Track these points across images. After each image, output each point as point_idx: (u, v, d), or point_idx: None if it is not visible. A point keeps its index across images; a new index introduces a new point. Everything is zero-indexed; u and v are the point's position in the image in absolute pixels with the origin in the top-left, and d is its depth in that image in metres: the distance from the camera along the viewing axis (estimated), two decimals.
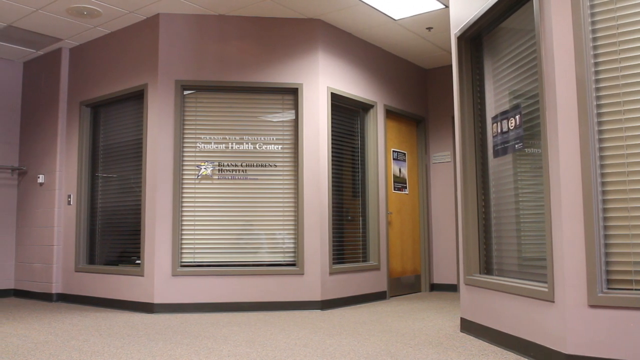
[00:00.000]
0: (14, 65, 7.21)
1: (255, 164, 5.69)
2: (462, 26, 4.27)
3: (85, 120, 6.46)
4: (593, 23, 3.03)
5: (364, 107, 6.52)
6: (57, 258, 6.47)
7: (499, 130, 3.91)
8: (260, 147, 5.72)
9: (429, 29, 6.19)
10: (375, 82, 6.61)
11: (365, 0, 5.39)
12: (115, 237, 6.10)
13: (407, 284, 7.01)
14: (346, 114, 6.30)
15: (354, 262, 6.16)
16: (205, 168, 5.65)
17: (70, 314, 5.41)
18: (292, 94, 5.82)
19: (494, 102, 4.03)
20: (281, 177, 5.71)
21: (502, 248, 3.94)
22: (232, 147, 5.70)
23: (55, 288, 6.44)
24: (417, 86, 7.46)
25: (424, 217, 7.32)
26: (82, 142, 6.42)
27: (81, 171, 6.38)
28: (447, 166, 7.34)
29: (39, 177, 6.76)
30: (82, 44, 6.59)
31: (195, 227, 5.59)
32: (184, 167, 5.64)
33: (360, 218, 6.37)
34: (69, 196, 6.48)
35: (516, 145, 3.68)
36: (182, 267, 5.51)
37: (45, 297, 6.48)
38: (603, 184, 2.96)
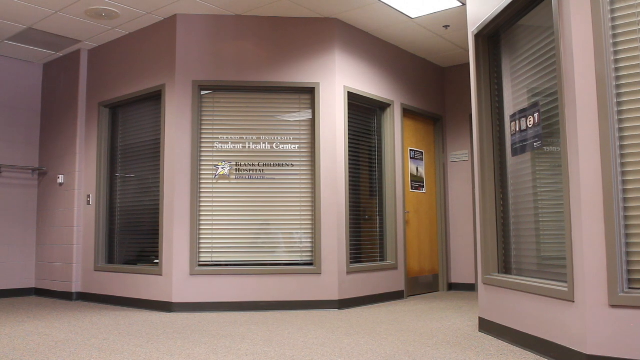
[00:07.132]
0: (34, 67, 7.31)
1: (272, 164, 5.70)
2: (479, 24, 4.24)
3: (103, 120, 6.53)
4: (613, 19, 2.99)
5: (381, 106, 6.50)
6: (76, 257, 6.55)
7: (518, 129, 3.87)
8: (277, 147, 5.73)
9: (446, 27, 6.15)
10: (392, 81, 6.58)
11: None
12: (133, 237, 6.15)
13: (425, 283, 6.98)
14: (363, 113, 6.29)
15: (371, 262, 6.15)
16: (222, 168, 5.68)
17: (89, 312, 5.47)
18: (309, 93, 5.82)
19: (512, 100, 3.99)
20: (298, 177, 5.71)
21: (521, 247, 3.90)
22: (249, 147, 5.72)
23: (75, 287, 6.52)
24: (435, 85, 7.42)
25: (441, 216, 7.28)
26: (100, 143, 6.49)
27: (100, 171, 6.44)
28: (465, 165, 7.29)
29: (58, 178, 6.84)
30: (100, 46, 6.66)
31: (213, 227, 5.62)
32: (202, 167, 5.67)
33: (378, 217, 6.36)
34: (88, 196, 6.55)
35: (535, 144, 3.65)
36: (200, 267, 5.54)
37: (65, 296, 6.56)
38: (624, 182, 2.92)
